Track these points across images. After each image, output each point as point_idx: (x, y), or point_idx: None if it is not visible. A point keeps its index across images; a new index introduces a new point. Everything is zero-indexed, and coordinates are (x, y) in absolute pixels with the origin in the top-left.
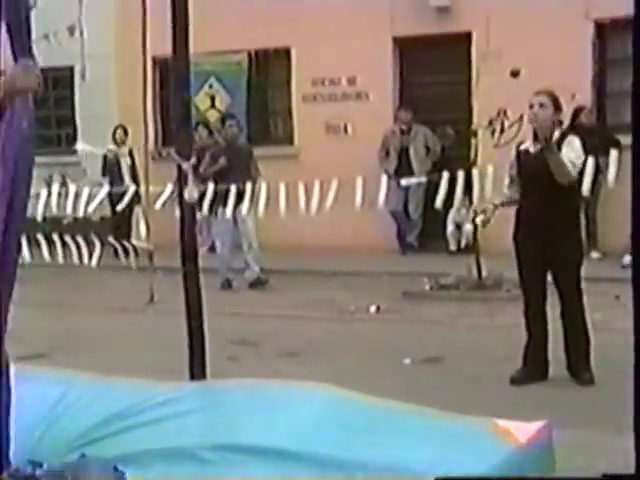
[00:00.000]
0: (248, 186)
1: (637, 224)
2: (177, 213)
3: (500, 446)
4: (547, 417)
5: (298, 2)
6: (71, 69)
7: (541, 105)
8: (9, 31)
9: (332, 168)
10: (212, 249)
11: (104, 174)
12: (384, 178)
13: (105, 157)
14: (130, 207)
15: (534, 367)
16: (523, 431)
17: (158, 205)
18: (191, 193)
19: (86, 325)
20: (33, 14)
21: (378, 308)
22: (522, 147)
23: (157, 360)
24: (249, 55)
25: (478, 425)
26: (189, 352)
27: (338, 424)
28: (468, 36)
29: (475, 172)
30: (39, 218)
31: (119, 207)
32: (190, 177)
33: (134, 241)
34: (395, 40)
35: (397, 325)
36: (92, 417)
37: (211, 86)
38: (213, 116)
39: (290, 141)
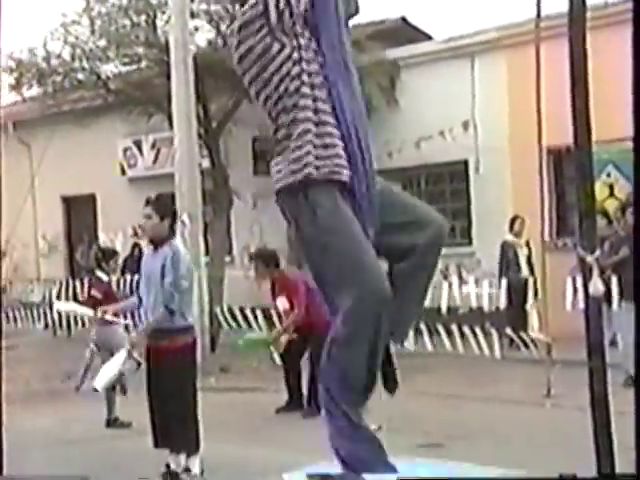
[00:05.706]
0: None
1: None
2: (580, 305)
3: None
4: None
5: None
6: (465, 162)
7: None
8: None
9: None
10: (612, 343)
11: (501, 264)
12: None
13: (502, 247)
14: (524, 298)
15: None
16: None
17: (568, 306)
18: (596, 286)
19: (482, 416)
20: (429, 113)
21: None
22: None
23: (557, 456)
24: None
25: None
26: (595, 452)
27: None
28: None
29: None
30: (443, 309)
31: (528, 305)
32: (595, 270)
33: (531, 333)
34: None
35: None
36: None
37: (609, 174)
38: (611, 205)
39: None
